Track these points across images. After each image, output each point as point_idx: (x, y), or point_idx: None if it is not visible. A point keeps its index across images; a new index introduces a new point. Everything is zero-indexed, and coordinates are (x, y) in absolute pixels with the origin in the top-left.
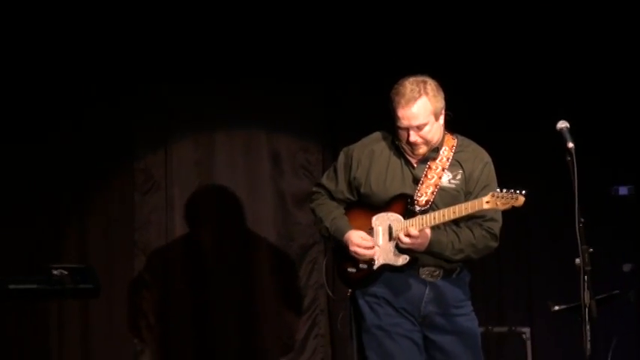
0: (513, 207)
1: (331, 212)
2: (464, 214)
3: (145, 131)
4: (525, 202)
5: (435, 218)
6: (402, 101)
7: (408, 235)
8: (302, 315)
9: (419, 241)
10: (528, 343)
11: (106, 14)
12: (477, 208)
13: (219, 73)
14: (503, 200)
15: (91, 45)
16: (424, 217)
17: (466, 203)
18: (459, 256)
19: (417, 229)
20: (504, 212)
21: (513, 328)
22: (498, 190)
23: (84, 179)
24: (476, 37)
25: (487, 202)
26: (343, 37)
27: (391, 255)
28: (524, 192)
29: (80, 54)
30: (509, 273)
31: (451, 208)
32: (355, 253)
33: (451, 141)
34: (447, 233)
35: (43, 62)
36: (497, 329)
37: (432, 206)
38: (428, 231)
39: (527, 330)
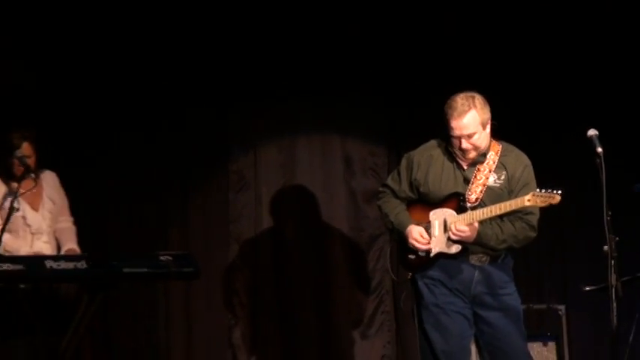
0: (551, 205)
1: (395, 208)
2: (508, 210)
3: (238, 139)
4: (561, 200)
5: (483, 214)
6: (455, 114)
7: (457, 229)
8: (370, 295)
9: (468, 233)
10: (563, 318)
11: (210, 44)
12: (519, 206)
13: (299, 90)
14: (542, 199)
15: (198, 67)
16: (474, 212)
17: (510, 201)
18: (502, 246)
19: (467, 222)
20: (543, 208)
21: (551, 305)
22: (538, 189)
23: (187, 179)
24: (520, 56)
25: (528, 200)
26: (406, 60)
27: (445, 244)
28: (560, 192)
29: (193, 76)
30: (547, 258)
31: (497, 205)
32: (413, 245)
33: (496, 147)
34: (492, 226)
35: (164, 84)
36: (536, 306)
37: (480, 203)
38: (476, 224)
39: (562, 307)
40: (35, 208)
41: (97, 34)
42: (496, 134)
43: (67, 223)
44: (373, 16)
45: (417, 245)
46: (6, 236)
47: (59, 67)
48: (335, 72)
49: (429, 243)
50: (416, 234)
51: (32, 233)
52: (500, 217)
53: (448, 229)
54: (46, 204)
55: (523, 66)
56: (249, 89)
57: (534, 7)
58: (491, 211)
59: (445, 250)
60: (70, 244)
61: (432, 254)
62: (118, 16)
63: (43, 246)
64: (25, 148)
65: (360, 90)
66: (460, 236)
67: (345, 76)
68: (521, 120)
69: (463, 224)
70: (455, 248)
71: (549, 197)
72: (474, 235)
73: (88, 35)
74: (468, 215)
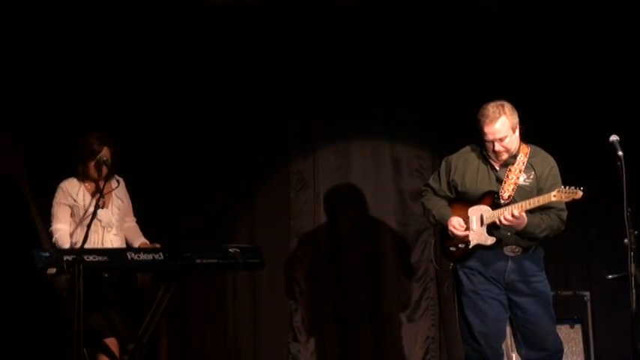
0: (574, 200)
1: (437, 204)
2: (537, 205)
3: (298, 144)
4: (583, 196)
5: (517, 208)
6: (487, 120)
7: (512, 216)
8: (416, 282)
9: (519, 221)
10: (588, 303)
11: (278, 62)
12: (546, 201)
13: (354, 100)
14: (566, 194)
15: (265, 81)
16: (507, 208)
17: (538, 197)
18: (542, 234)
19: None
20: (571, 203)
21: (577, 292)
22: (562, 186)
23: (253, 180)
24: (544, 69)
25: (554, 196)
26: (447, 74)
27: (482, 237)
28: (582, 188)
29: (260, 88)
30: (574, 250)
31: (527, 201)
32: (452, 233)
33: (525, 149)
34: (536, 217)
35: (235, 99)
36: (564, 293)
37: (512, 200)
38: (524, 214)
39: (587, 293)
40: (106, 205)
41: (177, 53)
42: (525, 138)
43: (132, 223)
44: (421, 36)
45: (455, 232)
46: (77, 231)
47: (144, 83)
48: (386, 85)
49: (466, 229)
50: (455, 222)
51: (103, 227)
52: (539, 211)
53: (497, 216)
54: (115, 202)
55: (552, 77)
56: (309, 101)
57: (561, 22)
58: (521, 206)
59: (482, 242)
60: (142, 239)
61: (470, 246)
62: (197, 37)
63: (113, 238)
64: (104, 152)
65: (407, 101)
66: (511, 223)
67: (395, 89)
68: (551, 125)
69: (515, 212)
70: (491, 240)
71: (573, 193)
72: (524, 223)
73: (170, 53)
74: (501, 210)
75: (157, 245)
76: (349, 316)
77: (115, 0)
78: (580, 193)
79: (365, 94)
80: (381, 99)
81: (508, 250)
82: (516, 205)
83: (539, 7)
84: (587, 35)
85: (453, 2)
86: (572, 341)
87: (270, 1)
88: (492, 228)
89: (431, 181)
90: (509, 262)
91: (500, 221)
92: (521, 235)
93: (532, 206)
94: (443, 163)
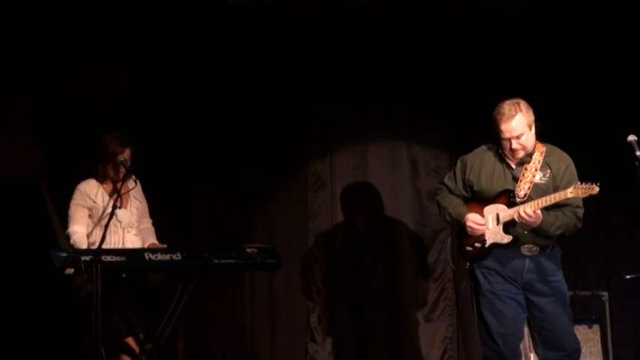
0: (590, 195)
1: (452, 202)
2: (553, 202)
3: (316, 144)
4: (599, 191)
5: (531, 207)
6: (504, 118)
7: (525, 213)
8: (434, 282)
9: (533, 218)
10: (607, 303)
11: (295, 64)
12: (563, 198)
13: (370, 99)
14: (582, 190)
15: (283, 83)
16: (523, 206)
17: (554, 194)
18: (557, 232)
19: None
20: (589, 203)
21: (595, 292)
22: (579, 183)
23: (270, 180)
24: (560, 69)
25: (570, 192)
26: (463, 74)
27: (499, 236)
28: (598, 184)
29: (278, 90)
30: (592, 249)
31: (544, 198)
32: (470, 228)
33: (541, 148)
34: (550, 215)
35: (254, 101)
36: (582, 293)
37: (528, 198)
38: (539, 212)
39: (605, 293)
40: (124, 205)
41: (195, 53)
42: (541, 137)
43: (148, 224)
44: (438, 36)
45: (474, 227)
46: (96, 231)
47: (161, 84)
48: (403, 86)
49: (483, 225)
50: (473, 217)
51: (123, 228)
52: (555, 208)
53: (501, 220)
54: (133, 202)
55: (567, 77)
56: (326, 102)
57: (576, 22)
58: (538, 204)
59: (499, 240)
60: (152, 240)
61: (486, 245)
62: (213, 37)
63: (134, 238)
64: (125, 154)
65: (424, 101)
66: (526, 220)
67: (412, 89)
68: (567, 125)
69: (528, 210)
70: (507, 239)
71: (589, 189)
72: (538, 222)
73: (187, 53)
74: (519, 207)
75: (164, 245)
76: (366, 317)
77: (131, 0)
78: (596, 189)
79: (382, 94)
80: (398, 99)
81: (525, 250)
82: (532, 202)
83: (553, 7)
84: (602, 35)
85: (468, 3)
86: (590, 341)
87: (286, 0)
88: (508, 226)
89: (446, 180)
90: (527, 261)
91: (519, 216)
92: (536, 233)
93: (548, 203)
94: (458, 163)
